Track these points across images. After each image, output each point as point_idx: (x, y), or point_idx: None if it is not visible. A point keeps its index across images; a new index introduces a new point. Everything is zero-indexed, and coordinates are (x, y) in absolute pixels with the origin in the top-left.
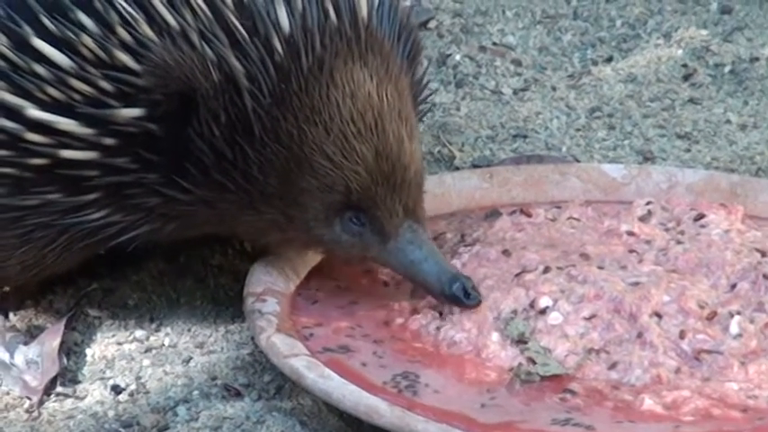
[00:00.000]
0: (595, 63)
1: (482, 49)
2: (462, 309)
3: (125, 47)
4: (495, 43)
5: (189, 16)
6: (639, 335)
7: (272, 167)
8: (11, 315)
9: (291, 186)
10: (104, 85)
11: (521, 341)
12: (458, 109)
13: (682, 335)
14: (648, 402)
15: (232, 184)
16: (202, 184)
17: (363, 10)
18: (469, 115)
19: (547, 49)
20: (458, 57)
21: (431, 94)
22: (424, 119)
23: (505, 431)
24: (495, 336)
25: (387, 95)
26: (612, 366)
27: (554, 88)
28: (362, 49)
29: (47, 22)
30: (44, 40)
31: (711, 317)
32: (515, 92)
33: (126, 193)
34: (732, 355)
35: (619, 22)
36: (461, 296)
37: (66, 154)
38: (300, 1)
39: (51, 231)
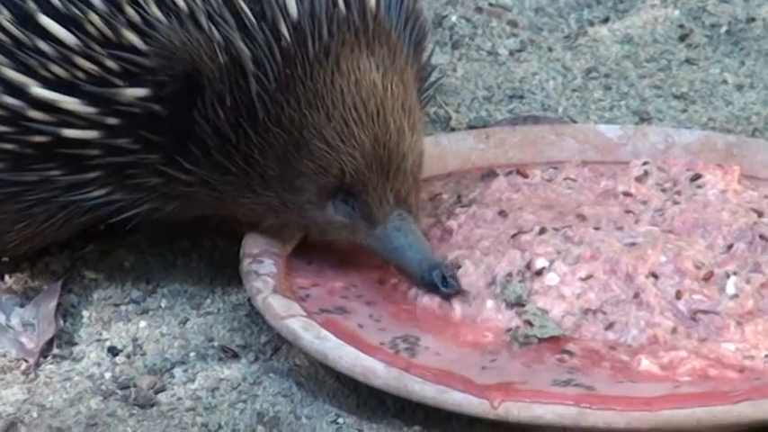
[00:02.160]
0: (592, 24)
1: (478, 9)
2: (439, 295)
3: (132, 26)
4: (491, 4)
5: None
6: (636, 295)
7: (272, 151)
8: (7, 277)
9: (289, 170)
10: (109, 64)
11: (518, 304)
12: (454, 70)
13: (678, 295)
14: (645, 363)
15: (233, 167)
16: (204, 165)
17: (372, 0)
18: (465, 76)
19: (543, 10)
20: (454, 18)
21: (436, 81)
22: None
23: (504, 392)
24: (489, 303)
25: (392, 86)
26: (609, 327)
27: (550, 49)
28: (369, 39)
29: None
30: (49, 17)
31: (708, 277)
32: (511, 53)
33: (127, 173)
34: (728, 316)
35: None
36: (439, 282)
37: (68, 133)
38: None
39: (51, 207)
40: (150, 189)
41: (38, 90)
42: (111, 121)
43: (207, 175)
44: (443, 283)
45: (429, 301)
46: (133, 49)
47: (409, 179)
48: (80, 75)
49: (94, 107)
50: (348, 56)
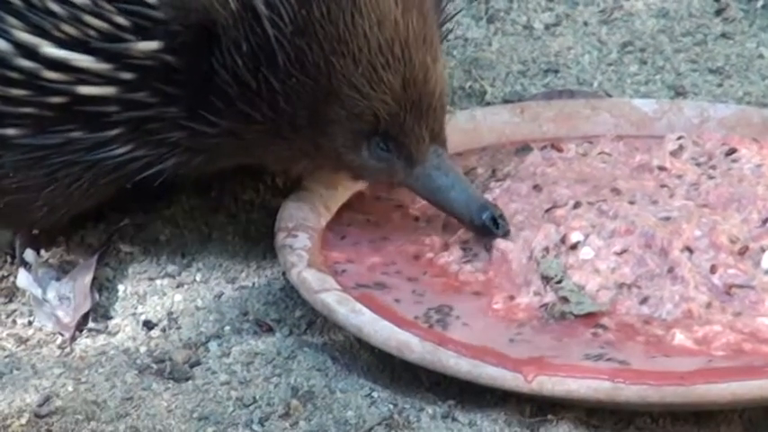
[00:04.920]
0: None
1: None
2: (491, 237)
3: None
4: None
5: None
6: (670, 270)
7: (298, 98)
8: (43, 251)
9: (319, 116)
10: (120, 19)
11: (555, 279)
12: (489, 44)
13: (713, 269)
14: (680, 337)
15: (259, 115)
16: (228, 115)
17: None
18: (501, 50)
19: None
20: None
21: (455, 15)
22: (455, 53)
23: (537, 366)
24: (533, 287)
25: (413, 22)
26: (644, 301)
27: (585, 23)
28: None
29: None
30: None
31: (743, 251)
32: (547, 27)
33: (148, 128)
34: (763, 290)
35: None
36: (491, 226)
37: (84, 90)
38: None
39: (76, 169)
40: (174, 144)
41: (50, 50)
42: (126, 76)
43: (233, 126)
44: (495, 225)
45: (471, 272)
46: (142, 3)
47: (439, 113)
48: (91, 32)
49: (108, 63)
50: None
